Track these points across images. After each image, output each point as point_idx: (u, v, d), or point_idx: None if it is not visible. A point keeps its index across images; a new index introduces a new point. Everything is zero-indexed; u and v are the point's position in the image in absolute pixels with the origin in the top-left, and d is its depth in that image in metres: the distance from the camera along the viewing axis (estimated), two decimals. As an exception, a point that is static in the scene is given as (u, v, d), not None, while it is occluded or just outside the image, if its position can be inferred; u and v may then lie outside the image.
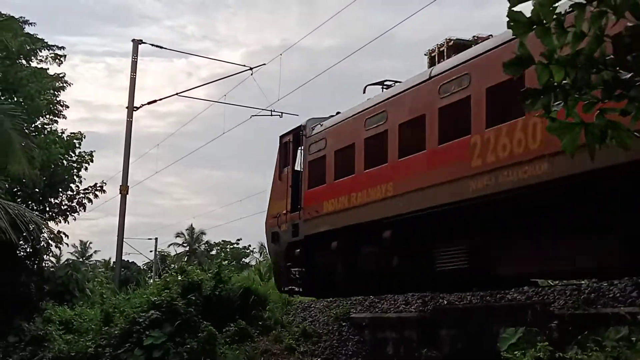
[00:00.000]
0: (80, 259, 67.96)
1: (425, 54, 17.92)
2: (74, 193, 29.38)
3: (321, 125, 20.47)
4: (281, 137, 22.51)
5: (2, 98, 26.36)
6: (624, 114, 3.26)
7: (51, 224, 27.56)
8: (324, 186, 19.76)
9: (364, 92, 19.88)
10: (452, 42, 16.63)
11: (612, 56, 3.32)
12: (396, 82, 18.85)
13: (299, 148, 21.28)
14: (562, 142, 3.31)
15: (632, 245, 11.43)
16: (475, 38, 16.36)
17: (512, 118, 13.04)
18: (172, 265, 44.34)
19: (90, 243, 79.11)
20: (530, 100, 3.25)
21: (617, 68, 3.28)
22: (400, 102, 16.85)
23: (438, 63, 16.13)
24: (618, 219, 11.65)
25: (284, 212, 21.48)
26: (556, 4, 3.18)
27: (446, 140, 14.83)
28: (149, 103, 31.96)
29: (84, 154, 29.38)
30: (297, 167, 21.38)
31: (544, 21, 3.17)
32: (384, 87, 19.40)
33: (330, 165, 19.60)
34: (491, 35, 15.45)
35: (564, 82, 3.23)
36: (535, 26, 3.15)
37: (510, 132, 13.10)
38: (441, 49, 17.20)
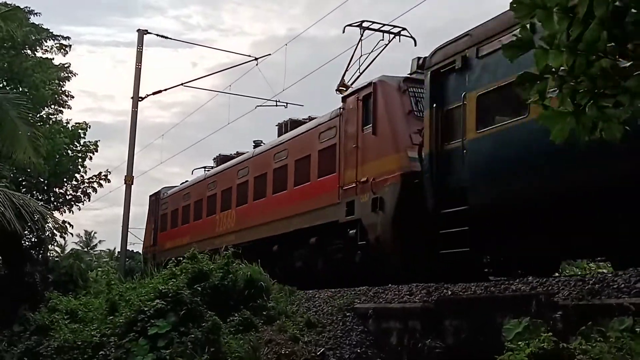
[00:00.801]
0: (85, 249, 68.16)
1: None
2: (79, 183, 29.47)
3: (166, 193, 34.67)
4: (150, 196, 36.98)
5: (8, 88, 26.40)
6: (617, 105, 3.22)
7: (56, 213, 27.69)
8: (166, 232, 33.47)
9: (192, 174, 34.90)
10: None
11: (613, 44, 3.28)
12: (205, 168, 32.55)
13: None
14: (552, 132, 3.27)
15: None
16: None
17: (227, 209, 26.12)
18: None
19: (95, 233, 79.17)
20: (526, 85, 3.21)
21: (617, 56, 3.24)
22: (193, 190, 30.90)
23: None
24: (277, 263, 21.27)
25: (150, 245, 35.56)
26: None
27: (208, 215, 28.23)
28: (154, 93, 31.91)
29: (88, 144, 29.45)
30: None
31: (547, 4, 3.13)
32: (206, 170, 32.04)
33: (168, 219, 33.51)
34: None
35: (562, 68, 3.19)
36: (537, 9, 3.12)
37: (226, 216, 26.11)
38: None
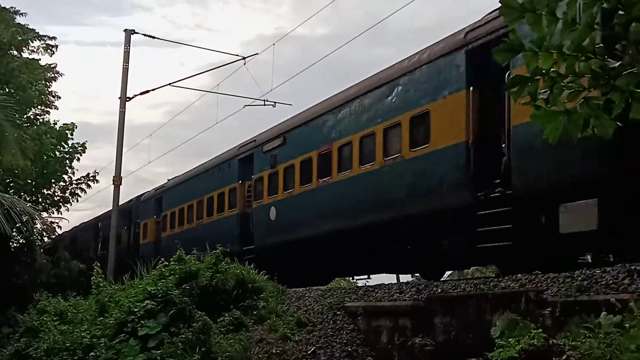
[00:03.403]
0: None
1: None
2: (67, 184, 29.33)
3: None
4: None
5: (-6, 89, 26.24)
6: (608, 103, 3.26)
7: (44, 215, 27.54)
8: None
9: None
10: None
11: (601, 45, 3.33)
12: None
13: None
14: (545, 131, 3.32)
15: None
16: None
17: None
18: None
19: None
20: (517, 87, 3.25)
21: (606, 57, 3.29)
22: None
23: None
24: None
25: None
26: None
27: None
28: (141, 93, 31.55)
29: (76, 145, 29.32)
30: None
31: (536, 8, 3.17)
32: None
33: None
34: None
35: (552, 69, 3.23)
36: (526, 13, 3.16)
37: None
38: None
